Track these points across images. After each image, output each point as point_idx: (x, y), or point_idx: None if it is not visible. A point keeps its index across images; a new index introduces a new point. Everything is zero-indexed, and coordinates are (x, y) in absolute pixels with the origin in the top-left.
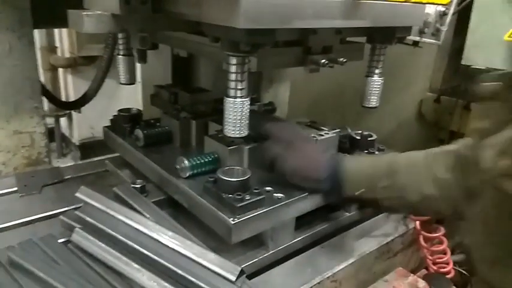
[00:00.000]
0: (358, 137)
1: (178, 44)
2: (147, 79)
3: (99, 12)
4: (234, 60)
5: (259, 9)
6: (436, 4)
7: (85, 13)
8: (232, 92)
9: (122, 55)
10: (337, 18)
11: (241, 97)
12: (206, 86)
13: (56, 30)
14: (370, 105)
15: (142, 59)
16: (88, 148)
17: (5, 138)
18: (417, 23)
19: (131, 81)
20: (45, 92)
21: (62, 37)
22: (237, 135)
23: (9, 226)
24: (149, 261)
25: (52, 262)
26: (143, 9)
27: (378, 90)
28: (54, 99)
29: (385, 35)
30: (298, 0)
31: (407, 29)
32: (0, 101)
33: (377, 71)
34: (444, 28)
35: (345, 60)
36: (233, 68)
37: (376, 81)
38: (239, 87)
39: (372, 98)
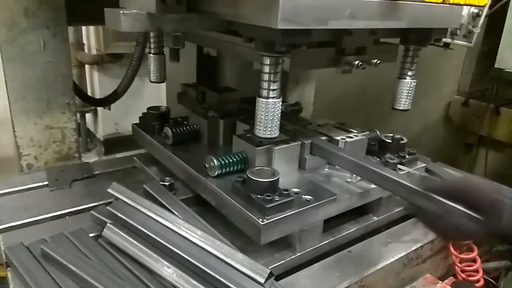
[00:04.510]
0: (389, 140)
1: (210, 43)
2: (170, 77)
3: (136, 11)
4: (268, 61)
5: (296, 9)
6: (472, 5)
7: (122, 12)
8: (264, 93)
9: (154, 54)
10: (374, 19)
11: (273, 97)
12: (231, 85)
13: (84, 27)
14: (401, 108)
15: (175, 57)
16: (112, 144)
17: (37, 133)
18: (454, 24)
19: (162, 79)
20: (76, 89)
21: (89, 34)
22: (268, 136)
23: (40, 219)
24: (179, 258)
25: (83, 256)
26: (178, 9)
27: (409, 93)
28: (85, 96)
29: (420, 37)
30: (335, 1)
31: (444, 31)
32: (33, 97)
33: (410, 73)
34: (477, 30)
35: (378, 61)
36: (267, 69)
37: (409, 83)
38: (272, 88)
39: (403, 100)
